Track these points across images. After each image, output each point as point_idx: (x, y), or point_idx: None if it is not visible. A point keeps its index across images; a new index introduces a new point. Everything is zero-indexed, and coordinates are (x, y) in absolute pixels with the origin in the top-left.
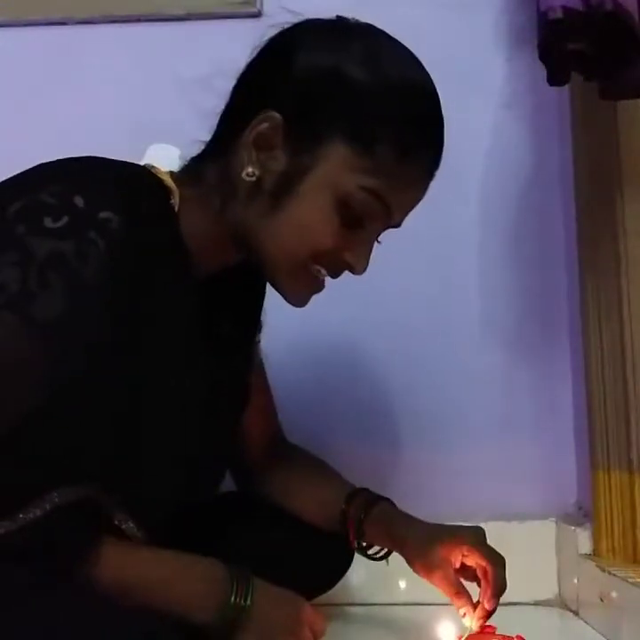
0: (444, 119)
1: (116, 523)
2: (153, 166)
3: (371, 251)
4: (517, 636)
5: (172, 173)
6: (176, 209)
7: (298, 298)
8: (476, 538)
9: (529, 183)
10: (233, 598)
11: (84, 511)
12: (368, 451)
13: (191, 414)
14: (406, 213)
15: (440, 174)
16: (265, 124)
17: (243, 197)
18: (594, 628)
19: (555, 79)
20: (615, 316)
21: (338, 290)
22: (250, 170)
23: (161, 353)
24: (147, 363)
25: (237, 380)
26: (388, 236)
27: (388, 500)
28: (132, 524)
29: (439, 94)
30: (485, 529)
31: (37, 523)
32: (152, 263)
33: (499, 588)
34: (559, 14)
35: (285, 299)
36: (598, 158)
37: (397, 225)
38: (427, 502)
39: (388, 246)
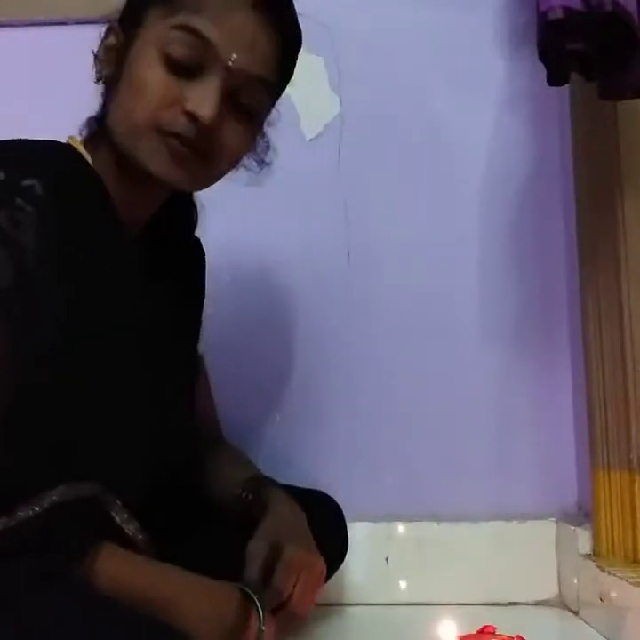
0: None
1: (118, 523)
2: (71, 137)
3: (215, 99)
4: (517, 636)
5: (83, 140)
6: (91, 168)
7: (167, 170)
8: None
9: (529, 183)
10: (261, 626)
11: (85, 510)
12: (368, 451)
13: (145, 378)
14: (243, 52)
15: (440, 174)
16: (110, 37)
17: (107, 108)
18: (594, 628)
19: (555, 79)
20: (615, 316)
21: (337, 290)
22: (96, 72)
23: (110, 312)
24: (99, 323)
25: (187, 346)
26: (388, 236)
27: (276, 485)
28: (134, 527)
29: (439, 94)
30: (485, 529)
31: (35, 520)
32: (81, 223)
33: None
34: (559, 14)
35: (163, 179)
36: (598, 158)
37: (251, 76)
38: (427, 502)
39: (389, 245)
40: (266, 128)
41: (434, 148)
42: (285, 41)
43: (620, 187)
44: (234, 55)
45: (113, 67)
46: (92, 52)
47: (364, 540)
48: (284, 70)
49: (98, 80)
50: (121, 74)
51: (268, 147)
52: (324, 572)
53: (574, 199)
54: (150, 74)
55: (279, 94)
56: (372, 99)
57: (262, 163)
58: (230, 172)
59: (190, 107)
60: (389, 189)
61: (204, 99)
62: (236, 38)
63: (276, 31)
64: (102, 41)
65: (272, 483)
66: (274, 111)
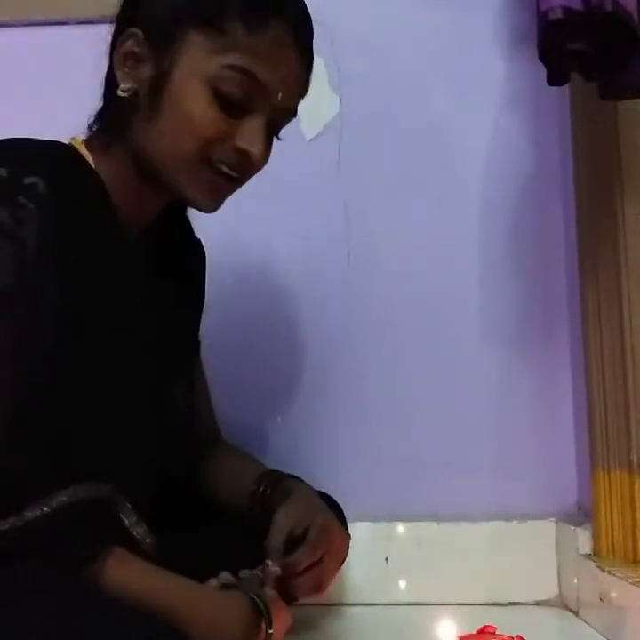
0: None
1: (127, 526)
2: (73, 138)
3: (264, 135)
4: (517, 636)
5: (84, 141)
6: (93, 170)
7: (206, 200)
8: (322, 526)
9: (529, 183)
10: (268, 630)
11: (94, 512)
12: (368, 451)
13: (146, 378)
14: (288, 89)
15: (440, 174)
16: (129, 42)
17: (129, 120)
18: (594, 628)
19: (555, 79)
20: (615, 316)
21: (337, 290)
22: (123, 85)
23: (110, 311)
24: (99, 322)
25: (186, 347)
26: (388, 236)
27: (296, 477)
28: (142, 530)
29: (439, 94)
30: (485, 529)
31: (43, 520)
32: (82, 223)
33: (289, 562)
34: (559, 14)
35: (196, 205)
36: (598, 158)
37: (289, 110)
38: (427, 502)
39: (389, 245)
40: None
41: (434, 148)
42: (311, 65)
43: (620, 187)
44: (280, 94)
45: (146, 87)
46: (106, 53)
47: (364, 539)
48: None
49: (122, 91)
50: (160, 100)
51: None
52: (348, 551)
53: (574, 199)
54: (202, 110)
55: None
56: (372, 99)
57: None
58: None
59: (242, 144)
60: (389, 189)
61: (254, 136)
62: (283, 78)
63: (308, 60)
64: (118, 44)
65: (289, 475)
66: None
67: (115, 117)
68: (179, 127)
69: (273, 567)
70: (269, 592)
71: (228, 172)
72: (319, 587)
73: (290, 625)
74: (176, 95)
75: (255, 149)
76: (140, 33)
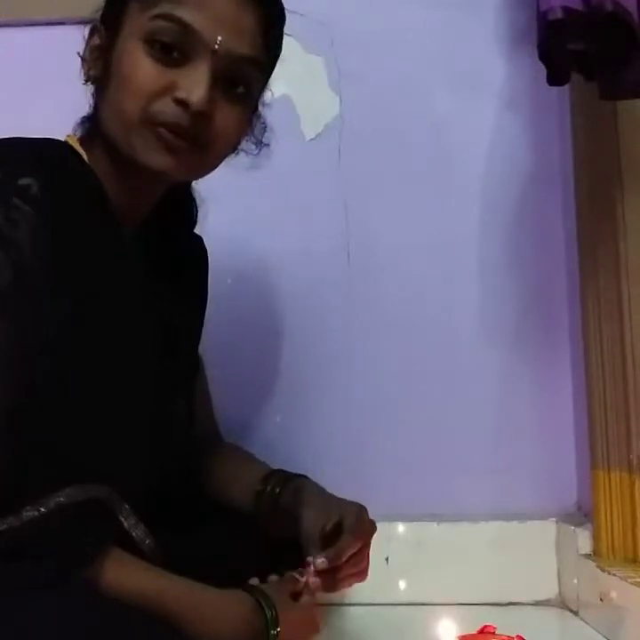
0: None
1: (126, 527)
2: (68, 136)
3: (205, 83)
4: (517, 636)
5: (79, 138)
6: (88, 165)
7: (159, 160)
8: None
9: (529, 183)
10: (273, 632)
11: (91, 513)
12: (368, 451)
13: (147, 379)
14: (228, 33)
15: (440, 174)
16: (94, 37)
17: (98, 106)
18: (594, 628)
19: (555, 79)
20: (615, 316)
21: (337, 290)
22: (84, 73)
23: (109, 311)
24: (98, 322)
25: (186, 346)
26: (388, 236)
27: (304, 476)
28: (141, 531)
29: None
30: (485, 529)
31: (40, 521)
32: (78, 223)
33: (333, 552)
34: (559, 15)
35: (152, 165)
36: (598, 158)
37: (239, 56)
38: (427, 502)
39: (389, 245)
40: (261, 109)
41: (434, 148)
42: (268, 16)
43: (620, 187)
44: (219, 38)
45: (100, 66)
46: (79, 54)
47: None
48: (270, 46)
49: (86, 81)
50: (108, 72)
51: (265, 127)
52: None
53: (574, 199)
54: (137, 66)
55: (270, 72)
56: (372, 99)
57: (260, 144)
58: (229, 158)
59: (180, 94)
60: (389, 189)
61: (193, 84)
62: (218, 21)
63: (257, 8)
64: (87, 42)
65: (296, 474)
66: (267, 91)
67: (91, 109)
68: (119, 90)
69: (318, 559)
70: (305, 599)
71: (173, 128)
72: (363, 573)
73: (317, 632)
74: (118, 61)
75: (194, 97)
76: (99, 24)
